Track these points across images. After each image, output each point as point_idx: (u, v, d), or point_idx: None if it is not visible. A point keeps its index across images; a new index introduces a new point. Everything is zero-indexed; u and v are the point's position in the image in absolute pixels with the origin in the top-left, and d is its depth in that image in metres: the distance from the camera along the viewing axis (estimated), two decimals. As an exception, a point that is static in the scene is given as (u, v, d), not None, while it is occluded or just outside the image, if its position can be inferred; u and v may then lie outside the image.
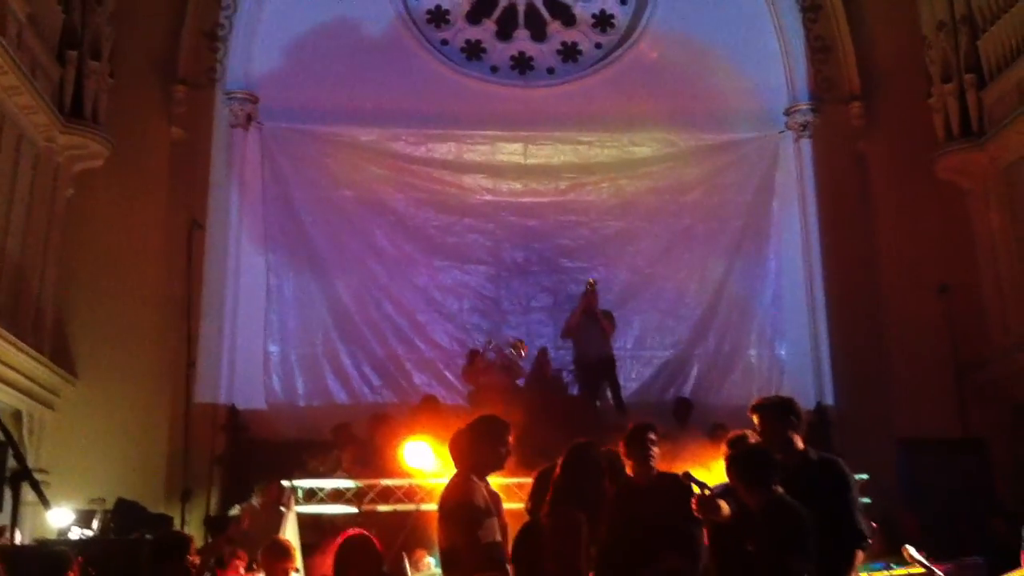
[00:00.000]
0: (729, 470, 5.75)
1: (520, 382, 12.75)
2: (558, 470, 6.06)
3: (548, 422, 9.91)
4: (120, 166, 13.40)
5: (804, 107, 14.74)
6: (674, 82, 14.79)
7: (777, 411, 6.14)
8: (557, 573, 5.63)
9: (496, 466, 6.20)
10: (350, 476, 10.52)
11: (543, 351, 13.17)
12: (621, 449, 6.35)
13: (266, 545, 6.98)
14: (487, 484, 6.20)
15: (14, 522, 5.80)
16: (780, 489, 5.44)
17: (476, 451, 6.21)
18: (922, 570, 8.02)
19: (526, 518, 6.20)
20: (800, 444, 5.99)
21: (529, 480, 6.40)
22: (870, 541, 5.86)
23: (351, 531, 6.07)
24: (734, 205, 14.71)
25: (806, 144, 14.69)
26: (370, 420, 11.29)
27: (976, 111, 13.82)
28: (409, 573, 6.93)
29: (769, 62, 15.06)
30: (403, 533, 6.60)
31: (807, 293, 14.22)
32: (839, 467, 5.95)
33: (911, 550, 8.15)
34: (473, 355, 12.85)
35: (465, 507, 6.00)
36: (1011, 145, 13.26)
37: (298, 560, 8.07)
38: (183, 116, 13.93)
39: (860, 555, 5.79)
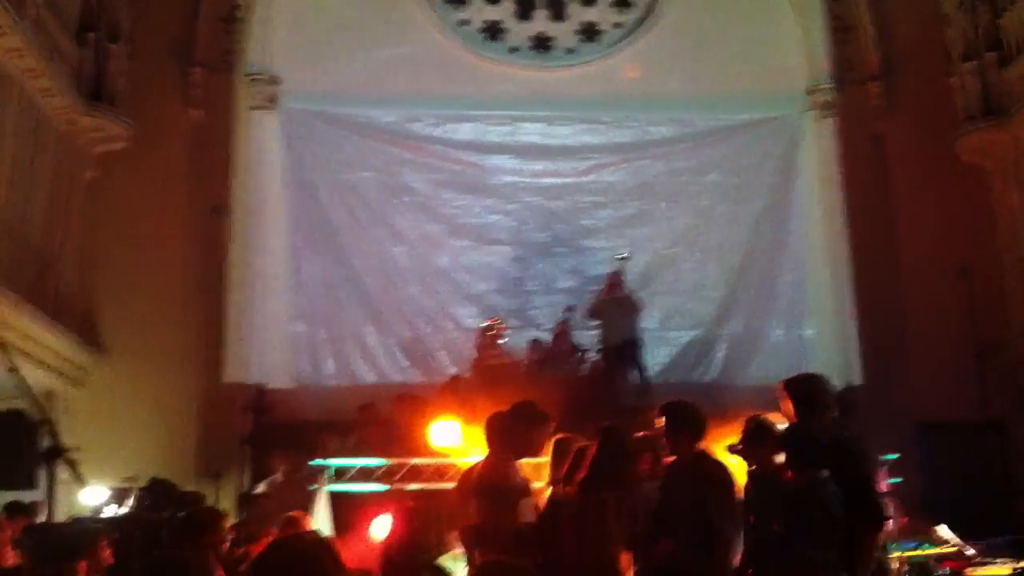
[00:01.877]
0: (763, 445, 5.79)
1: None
2: (593, 450, 6.10)
3: (557, 402, 9.91)
4: (141, 148, 13.41)
5: (825, 87, 14.71)
6: (693, 62, 14.79)
7: (808, 389, 6.17)
8: (583, 550, 5.68)
9: (531, 452, 6.32)
10: (375, 455, 10.57)
11: (562, 324, 13.14)
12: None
13: (283, 522, 6.92)
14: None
15: (51, 500, 5.86)
16: (825, 472, 5.41)
17: (514, 434, 6.29)
18: (953, 549, 8.08)
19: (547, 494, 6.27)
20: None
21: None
22: (890, 520, 5.87)
23: (409, 503, 6.14)
24: (754, 186, 14.72)
25: (827, 124, 14.66)
26: (396, 400, 11.32)
27: (998, 90, 13.73)
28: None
29: (789, 42, 15.04)
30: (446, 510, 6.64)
31: (830, 274, 14.22)
32: (857, 445, 5.97)
33: (941, 530, 8.21)
34: (478, 339, 12.85)
35: (505, 487, 6.08)
36: (1033, 124, 13.21)
37: (328, 534, 8.13)
38: (202, 98, 13.95)
39: (879, 534, 5.80)
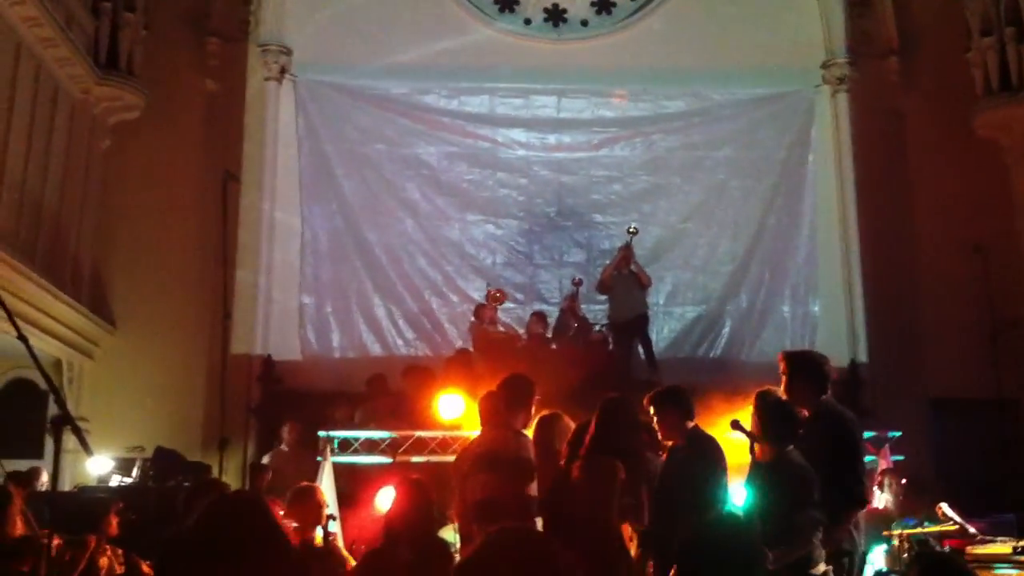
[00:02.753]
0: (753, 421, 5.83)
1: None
2: (593, 424, 6.14)
3: (567, 376, 9.95)
4: (155, 118, 13.48)
5: (841, 62, 14.53)
6: (708, 35, 14.65)
7: (804, 364, 6.21)
8: (588, 519, 5.72)
9: (526, 424, 6.46)
10: (381, 427, 10.63)
11: (570, 298, 13.13)
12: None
13: (293, 492, 6.87)
14: None
15: (56, 468, 5.93)
16: (791, 447, 5.57)
17: (513, 408, 6.38)
18: (955, 527, 8.08)
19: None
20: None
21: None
22: (867, 504, 5.88)
23: (413, 475, 6.22)
24: (768, 161, 14.58)
25: (842, 99, 14.52)
26: (403, 372, 11.36)
27: (1016, 65, 13.58)
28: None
29: (806, 15, 14.83)
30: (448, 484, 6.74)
31: (842, 250, 14.13)
32: (844, 425, 5.99)
33: (945, 507, 8.21)
34: (478, 309, 12.85)
35: (519, 460, 6.15)
36: (1051, 101, 13.07)
37: (332, 507, 8.19)
38: (217, 69, 13.96)
39: (851, 515, 5.85)
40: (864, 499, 5.84)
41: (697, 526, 3.77)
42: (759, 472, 5.67)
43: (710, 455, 5.90)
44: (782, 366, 6.20)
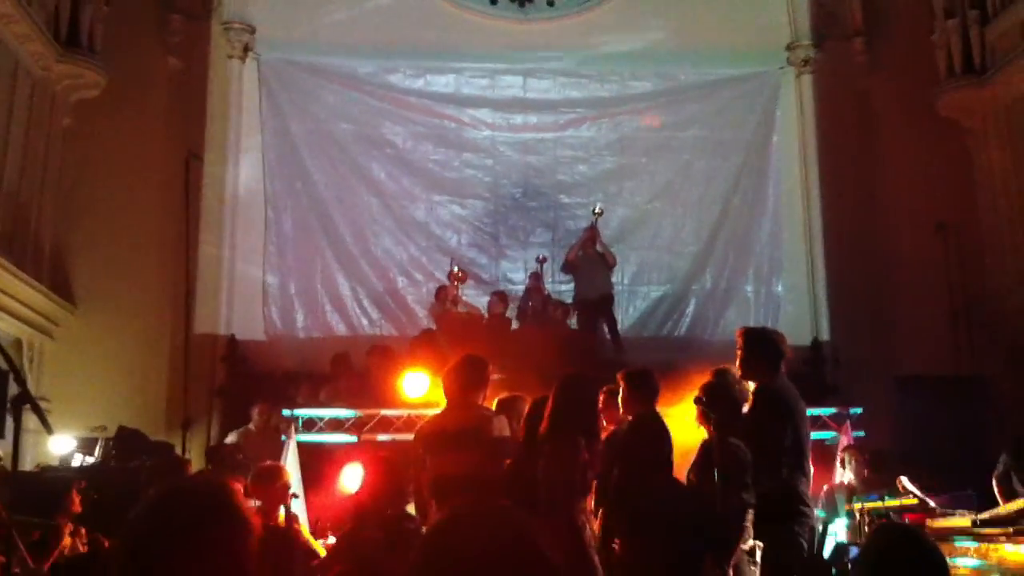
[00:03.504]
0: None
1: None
2: (551, 400, 6.15)
3: (533, 355, 9.99)
4: (117, 96, 13.28)
5: (806, 43, 14.59)
6: (676, 16, 14.65)
7: (759, 340, 6.28)
8: (549, 497, 5.74)
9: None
10: (346, 406, 10.62)
11: (535, 275, 13.14)
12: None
13: (257, 470, 6.82)
14: None
15: (16, 448, 5.85)
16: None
17: (471, 389, 6.41)
18: (915, 501, 8.17)
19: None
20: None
21: None
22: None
23: (381, 453, 6.21)
24: (734, 142, 14.64)
25: (807, 81, 14.59)
26: (368, 352, 11.34)
27: (979, 48, 13.67)
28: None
29: (772, -3, 14.89)
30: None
31: (805, 230, 14.23)
32: (772, 403, 6.07)
33: (905, 481, 8.30)
34: (439, 290, 12.84)
35: (497, 439, 6.15)
36: (1013, 83, 13.15)
37: (296, 486, 8.16)
38: (180, 46, 13.79)
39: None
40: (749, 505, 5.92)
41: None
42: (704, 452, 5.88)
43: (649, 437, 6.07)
44: (739, 341, 6.27)
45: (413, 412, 9.75)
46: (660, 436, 6.13)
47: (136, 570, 2.20)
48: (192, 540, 2.20)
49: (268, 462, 7.55)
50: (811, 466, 6.17)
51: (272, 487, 6.47)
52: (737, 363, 6.18)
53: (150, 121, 13.42)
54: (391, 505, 5.83)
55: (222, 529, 2.24)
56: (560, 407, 6.01)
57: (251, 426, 10.81)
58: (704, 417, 5.94)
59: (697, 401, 5.95)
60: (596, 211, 12.90)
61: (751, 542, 5.66)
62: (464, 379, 6.47)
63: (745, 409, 6.19)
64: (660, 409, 6.45)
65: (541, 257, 13.23)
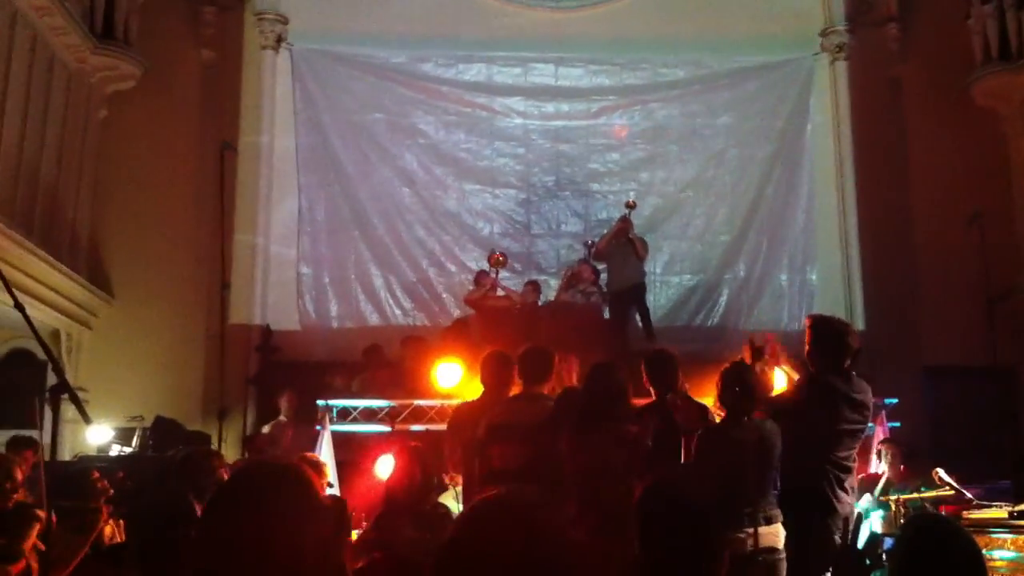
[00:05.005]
0: None
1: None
2: (585, 391, 6.18)
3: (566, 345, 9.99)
4: (152, 87, 13.42)
5: (839, 29, 14.44)
6: (707, 3, 14.53)
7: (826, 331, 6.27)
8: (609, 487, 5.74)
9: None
10: (380, 396, 10.67)
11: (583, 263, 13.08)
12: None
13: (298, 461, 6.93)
14: None
15: (55, 438, 5.96)
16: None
17: (543, 379, 6.43)
18: (951, 492, 8.13)
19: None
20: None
21: None
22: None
23: (412, 443, 6.23)
24: (766, 129, 14.55)
25: (841, 67, 14.45)
26: (402, 342, 11.39)
27: (1016, 33, 13.49)
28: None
29: (806, -18, 14.77)
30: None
31: (839, 219, 14.12)
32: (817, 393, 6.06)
33: (941, 473, 8.26)
34: (479, 276, 12.84)
35: (546, 425, 6.15)
36: (1051, 69, 13.03)
37: (331, 475, 8.24)
38: (213, 37, 13.87)
39: None
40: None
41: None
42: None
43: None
44: (808, 333, 6.28)
45: (446, 402, 9.78)
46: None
47: (212, 537, 2.27)
48: (266, 512, 2.26)
49: (307, 454, 7.63)
50: (854, 459, 6.16)
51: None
52: (806, 353, 6.24)
53: (184, 112, 13.55)
54: (421, 494, 5.86)
55: (295, 500, 2.31)
56: (592, 398, 6.05)
57: (282, 417, 10.90)
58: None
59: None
60: (629, 203, 12.87)
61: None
62: (533, 369, 6.44)
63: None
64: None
65: (590, 242, 13.18)
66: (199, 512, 4.76)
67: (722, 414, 6.01)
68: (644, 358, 6.62)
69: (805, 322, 6.50)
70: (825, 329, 6.29)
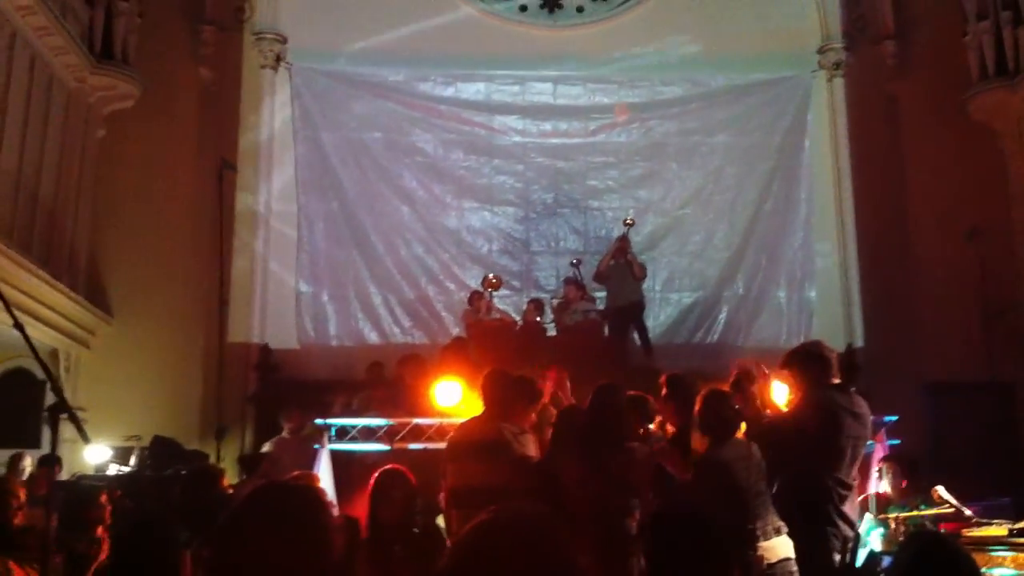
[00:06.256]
0: None
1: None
2: (589, 412, 6.16)
3: (561, 362, 9.97)
4: (151, 107, 13.45)
5: (837, 47, 14.53)
6: (705, 20, 14.64)
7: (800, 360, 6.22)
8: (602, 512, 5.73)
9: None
10: (379, 415, 10.64)
11: (571, 281, 13.07)
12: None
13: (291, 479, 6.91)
14: None
15: (53, 457, 5.93)
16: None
17: (513, 402, 6.41)
18: (951, 510, 8.11)
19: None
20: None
21: None
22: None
23: (387, 466, 6.11)
24: (764, 146, 14.59)
25: (838, 84, 14.53)
26: (400, 361, 11.37)
27: (1012, 50, 13.51)
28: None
29: (802, 1, 14.82)
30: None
31: (838, 235, 14.17)
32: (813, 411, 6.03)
33: (941, 490, 8.23)
34: (472, 297, 12.82)
35: (522, 456, 6.19)
36: (1047, 85, 13.05)
37: (330, 494, 8.20)
38: (212, 57, 13.91)
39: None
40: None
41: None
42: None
43: None
44: (788, 373, 6.21)
45: (445, 421, 9.74)
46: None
47: (227, 561, 2.27)
48: (282, 532, 2.26)
49: (299, 472, 7.59)
50: (856, 477, 6.11)
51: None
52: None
53: (183, 131, 13.57)
54: (404, 516, 5.79)
55: (310, 523, 2.31)
56: (600, 419, 6.03)
57: (284, 433, 10.85)
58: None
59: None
60: (627, 221, 12.89)
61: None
62: (498, 392, 6.43)
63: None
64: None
65: (575, 260, 13.19)
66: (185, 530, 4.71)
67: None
68: (668, 378, 6.56)
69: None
70: (802, 355, 6.21)
